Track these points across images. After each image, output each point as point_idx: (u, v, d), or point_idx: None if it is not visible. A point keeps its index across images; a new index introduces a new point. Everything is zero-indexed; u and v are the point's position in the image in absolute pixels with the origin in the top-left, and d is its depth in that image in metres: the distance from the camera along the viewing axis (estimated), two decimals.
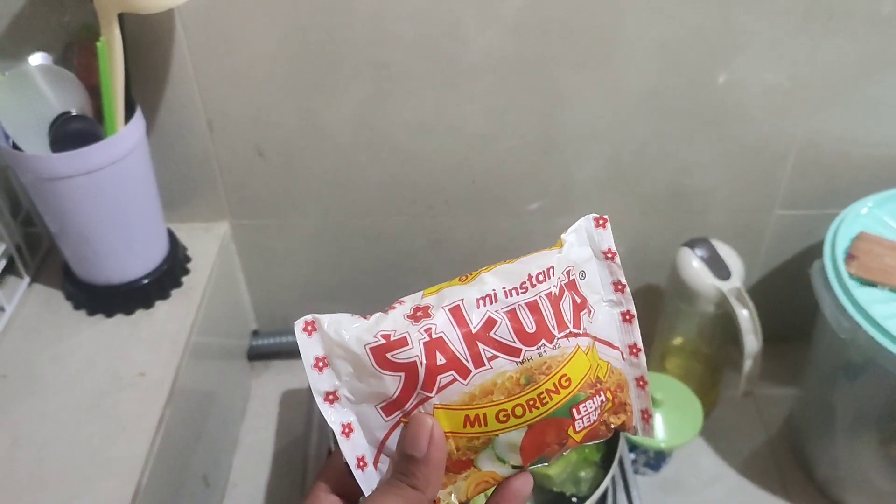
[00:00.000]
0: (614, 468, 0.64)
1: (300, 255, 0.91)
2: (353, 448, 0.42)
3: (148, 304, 0.77)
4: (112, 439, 0.66)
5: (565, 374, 0.42)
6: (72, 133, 0.67)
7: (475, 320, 0.42)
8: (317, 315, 0.42)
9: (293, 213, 0.86)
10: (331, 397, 0.42)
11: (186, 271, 0.81)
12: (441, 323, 0.41)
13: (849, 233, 0.76)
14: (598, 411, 0.43)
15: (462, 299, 0.42)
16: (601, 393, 0.43)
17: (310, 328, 0.42)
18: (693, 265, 0.80)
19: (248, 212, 0.86)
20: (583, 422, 0.42)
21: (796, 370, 0.87)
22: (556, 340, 0.42)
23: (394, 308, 0.43)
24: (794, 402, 0.90)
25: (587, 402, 0.42)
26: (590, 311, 0.44)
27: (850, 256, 0.72)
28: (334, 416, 0.42)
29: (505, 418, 0.41)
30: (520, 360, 0.42)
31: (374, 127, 0.79)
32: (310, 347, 0.42)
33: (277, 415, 0.93)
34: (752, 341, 0.78)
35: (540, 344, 0.42)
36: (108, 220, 0.71)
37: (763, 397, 0.91)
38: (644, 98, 0.77)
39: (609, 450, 0.68)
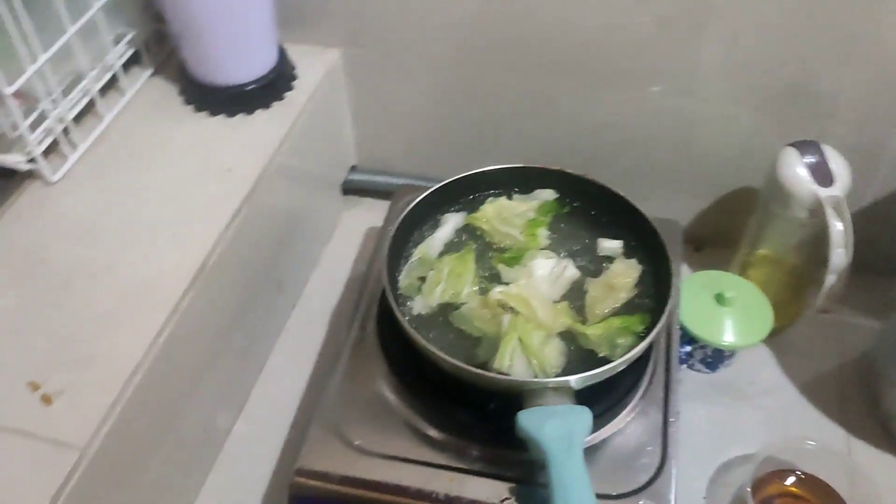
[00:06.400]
0: (653, 336, 0.62)
1: (409, 98, 0.92)
2: None
3: (249, 110, 0.82)
4: (190, 220, 0.71)
5: None
6: None
7: None
8: None
9: (408, 52, 0.87)
10: None
11: (290, 88, 0.85)
12: None
13: None
14: None
15: None
16: None
17: None
18: (794, 166, 0.75)
19: (363, 41, 0.88)
20: None
21: (889, 305, 0.82)
22: None
23: None
24: (877, 336, 0.84)
25: None
26: None
27: None
28: None
29: None
30: None
31: None
32: None
33: (359, 246, 0.97)
34: (839, 255, 0.74)
35: None
36: (220, 19, 0.75)
37: (847, 325, 0.86)
38: None
39: (654, 325, 0.66)
